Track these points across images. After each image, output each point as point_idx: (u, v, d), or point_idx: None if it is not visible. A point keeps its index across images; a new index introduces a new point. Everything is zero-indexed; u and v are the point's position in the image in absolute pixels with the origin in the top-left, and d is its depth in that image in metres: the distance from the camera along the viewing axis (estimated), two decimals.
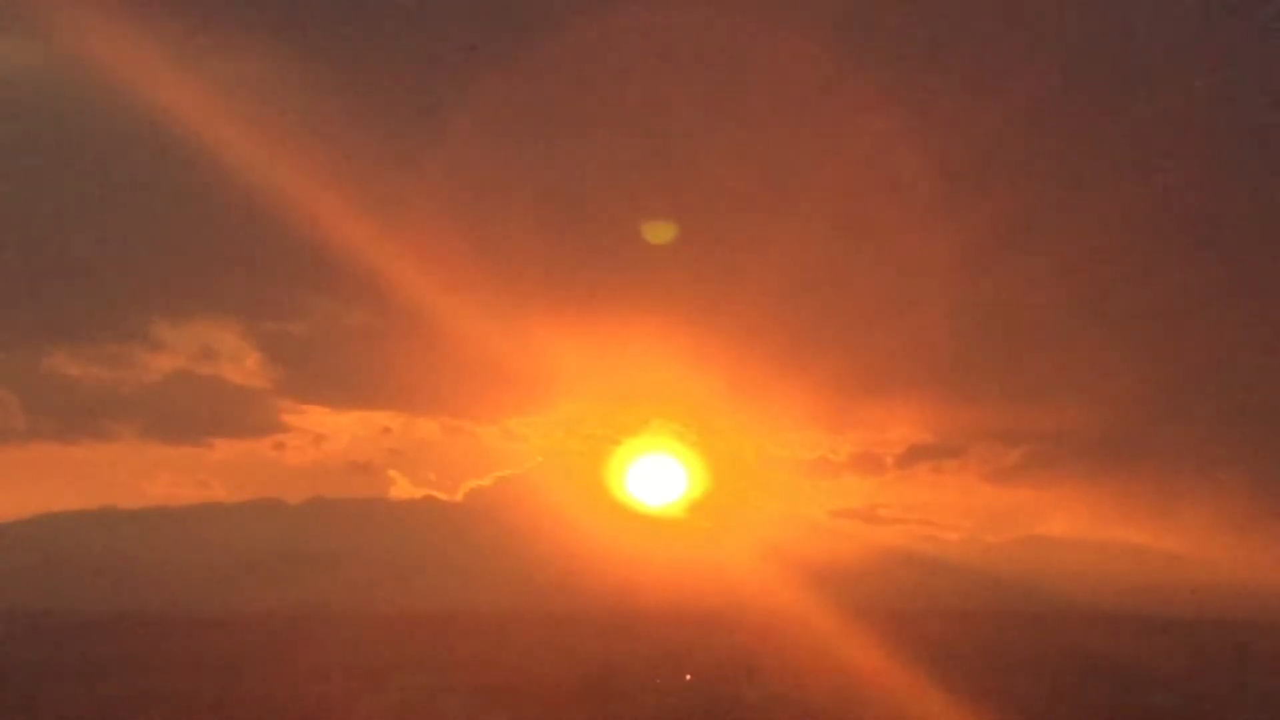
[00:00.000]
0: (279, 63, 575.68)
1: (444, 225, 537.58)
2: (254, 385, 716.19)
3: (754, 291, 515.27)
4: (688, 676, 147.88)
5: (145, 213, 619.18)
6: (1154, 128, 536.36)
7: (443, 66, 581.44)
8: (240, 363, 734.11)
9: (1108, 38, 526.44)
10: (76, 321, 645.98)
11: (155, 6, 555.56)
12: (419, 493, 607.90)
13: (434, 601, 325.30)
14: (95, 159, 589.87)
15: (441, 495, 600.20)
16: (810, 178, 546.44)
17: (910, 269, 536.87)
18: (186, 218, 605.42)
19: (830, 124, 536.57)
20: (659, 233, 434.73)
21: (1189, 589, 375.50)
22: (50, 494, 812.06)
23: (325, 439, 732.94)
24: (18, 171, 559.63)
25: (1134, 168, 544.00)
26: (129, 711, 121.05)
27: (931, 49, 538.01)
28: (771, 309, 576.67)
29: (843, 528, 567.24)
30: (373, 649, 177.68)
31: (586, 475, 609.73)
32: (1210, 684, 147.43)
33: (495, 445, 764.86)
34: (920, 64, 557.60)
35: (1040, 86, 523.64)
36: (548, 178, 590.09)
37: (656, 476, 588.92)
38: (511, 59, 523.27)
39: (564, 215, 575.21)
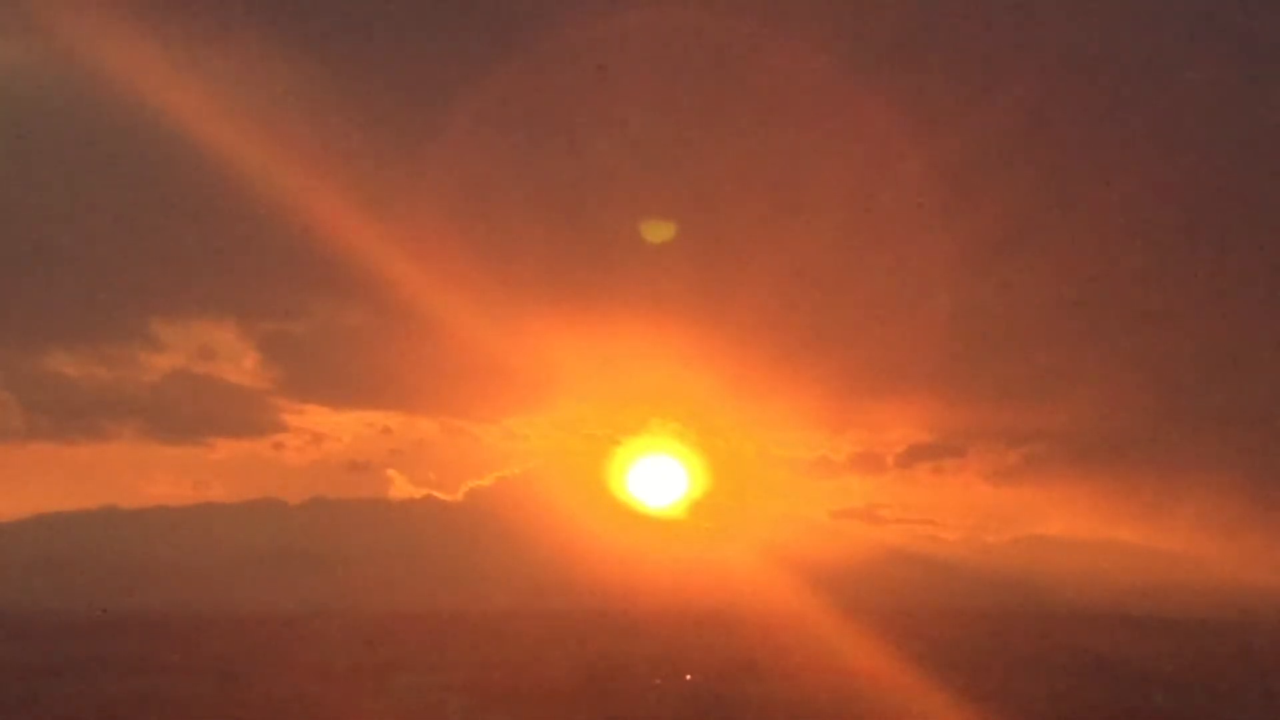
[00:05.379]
0: (278, 62, 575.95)
1: (444, 225, 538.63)
2: (253, 385, 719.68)
3: (754, 292, 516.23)
4: (688, 676, 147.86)
5: (145, 213, 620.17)
6: (1153, 129, 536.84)
7: (442, 67, 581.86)
8: (239, 363, 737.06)
9: (1107, 39, 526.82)
10: (76, 321, 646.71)
11: (154, 6, 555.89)
12: (419, 493, 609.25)
13: (434, 601, 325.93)
14: (94, 159, 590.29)
15: (441, 495, 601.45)
16: (811, 179, 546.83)
17: (910, 269, 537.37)
18: (186, 217, 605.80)
19: (831, 125, 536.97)
20: (658, 232, 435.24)
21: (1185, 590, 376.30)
22: (50, 494, 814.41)
23: (325, 439, 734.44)
24: (17, 171, 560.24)
25: (1134, 169, 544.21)
26: (129, 711, 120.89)
27: (932, 50, 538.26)
28: (772, 309, 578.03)
29: (843, 528, 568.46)
30: (373, 649, 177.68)
31: (586, 475, 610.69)
32: (1210, 684, 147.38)
33: (495, 445, 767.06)
34: (920, 65, 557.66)
35: (1039, 88, 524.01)
36: (548, 177, 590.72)
37: (656, 476, 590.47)
38: (510, 58, 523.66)
39: (564, 215, 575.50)
